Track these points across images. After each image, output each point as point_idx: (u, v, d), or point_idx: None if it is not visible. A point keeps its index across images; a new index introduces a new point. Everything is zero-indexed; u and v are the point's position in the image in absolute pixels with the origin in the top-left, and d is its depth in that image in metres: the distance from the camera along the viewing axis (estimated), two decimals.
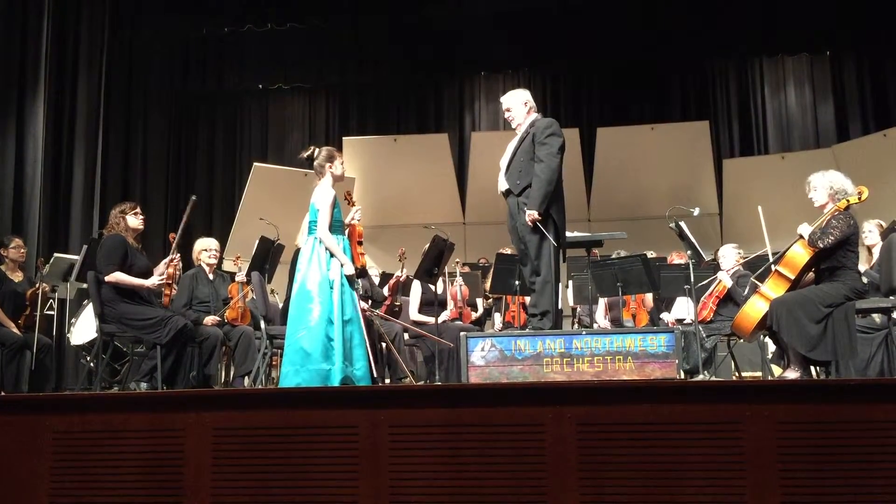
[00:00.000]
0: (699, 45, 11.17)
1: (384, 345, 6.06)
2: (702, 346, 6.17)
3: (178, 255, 5.70)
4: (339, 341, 4.84)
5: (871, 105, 11.17)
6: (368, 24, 11.42)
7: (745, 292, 6.42)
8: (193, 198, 5.76)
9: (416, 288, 7.00)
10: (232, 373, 6.48)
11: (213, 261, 6.48)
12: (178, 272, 5.81)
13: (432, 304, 6.60)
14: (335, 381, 4.77)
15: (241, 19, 11.38)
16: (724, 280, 6.59)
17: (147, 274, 5.49)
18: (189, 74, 11.80)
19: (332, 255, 4.97)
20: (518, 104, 5.31)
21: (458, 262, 7.84)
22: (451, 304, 7.15)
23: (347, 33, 11.49)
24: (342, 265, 4.97)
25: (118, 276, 5.31)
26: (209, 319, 6.07)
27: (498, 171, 5.32)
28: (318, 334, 4.86)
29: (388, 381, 6.13)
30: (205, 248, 6.48)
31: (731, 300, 6.58)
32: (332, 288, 4.91)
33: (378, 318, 6.07)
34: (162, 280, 5.47)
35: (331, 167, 5.13)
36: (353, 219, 5.28)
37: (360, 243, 5.26)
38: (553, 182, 5.04)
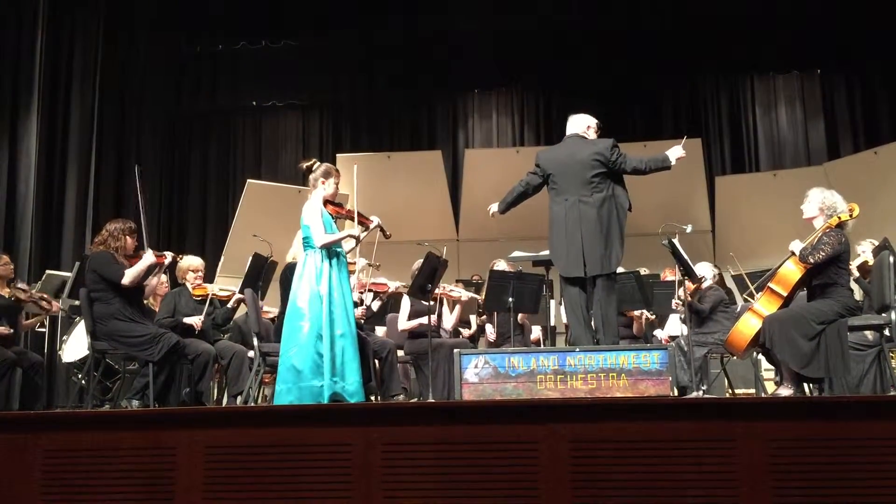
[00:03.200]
0: (691, 63, 11.25)
1: (377, 362, 6.04)
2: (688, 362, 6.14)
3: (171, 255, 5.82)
4: (327, 357, 4.83)
5: (862, 123, 11.21)
6: (362, 41, 11.47)
7: (707, 306, 6.51)
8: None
9: (406, 300, 6.96)
10: (225, 391, 6.45)
11: (199, 281, 6.50)
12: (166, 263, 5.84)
13: (425, 313, 6.57)
14: (325, 398, 4.76)
15: (235, 36, 11.43)
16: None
17: (134, 289, 5.48)
18: (183, 91, 11.82)
19: (321, 268, 4.97)
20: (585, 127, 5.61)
21: (458, 284, 7.82)
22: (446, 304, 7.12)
23: (341, 50, 11.54)
24: (350, 239, 5.17)
25: (133, 272, 5.34)
26: (189, 320, 6.06)
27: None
28: (308, 351, 4.86)
29: (380, 398, 6.10)
30: (192, 269, 6.46)
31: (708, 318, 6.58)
32: (321, 303, 4.91)
33: (371, 336, 6.05)
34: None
35: (323, 183, 5.15)
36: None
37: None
38: (510, 198, 5.45)
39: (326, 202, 5.16)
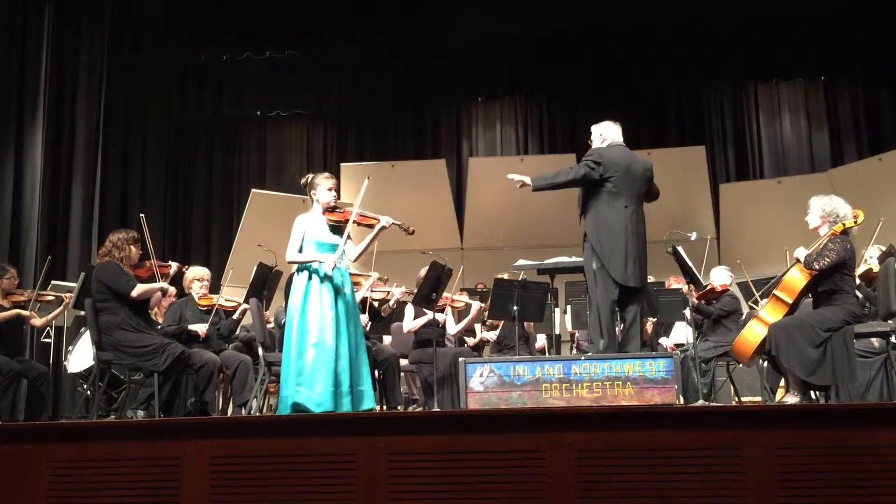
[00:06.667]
0: (695, 70, 11.27)
1: (379, 372, 6.03)
2: (703, 373, 6.10)
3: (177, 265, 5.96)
4: (294, 367, 4.83)
5: (866, 129, 11.20)
6: (366, 50, 11.51)
7: (717, 308, 6.42)
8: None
9: (410, 307, 6.93)
10: (230, 401, 6.44)
11: (205, 291, 6.51)
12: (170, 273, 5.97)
13: (429, 322, 6.55)
14: (286, 409, 4.78)
15: (240, 47, 11.48)
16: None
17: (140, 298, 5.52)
18: (187, 102, 11.86)
19: (307, 279, 4.97)
20: (595, 135, 5.45)
21: (462, 292, 7.81)
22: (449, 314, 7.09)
23: (345, 60, 11.58)
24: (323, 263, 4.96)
25: (142, 288, 5.39)
26: (194, 327, 6.07)
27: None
28: (286, 361, 4.92)
29: (384, 408, 6.09)
30: (197, 278, 6.47)
31: (718, 324, 6.52)
32: (303, 313, 4.90)
33: (374, 345, 6.04)
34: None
35: (314, 194, 5.09)
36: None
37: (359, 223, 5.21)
38: (559, 181, 5.24)
39: (327, 211, 5.09)
